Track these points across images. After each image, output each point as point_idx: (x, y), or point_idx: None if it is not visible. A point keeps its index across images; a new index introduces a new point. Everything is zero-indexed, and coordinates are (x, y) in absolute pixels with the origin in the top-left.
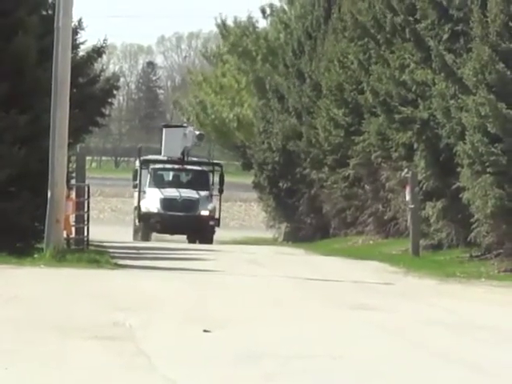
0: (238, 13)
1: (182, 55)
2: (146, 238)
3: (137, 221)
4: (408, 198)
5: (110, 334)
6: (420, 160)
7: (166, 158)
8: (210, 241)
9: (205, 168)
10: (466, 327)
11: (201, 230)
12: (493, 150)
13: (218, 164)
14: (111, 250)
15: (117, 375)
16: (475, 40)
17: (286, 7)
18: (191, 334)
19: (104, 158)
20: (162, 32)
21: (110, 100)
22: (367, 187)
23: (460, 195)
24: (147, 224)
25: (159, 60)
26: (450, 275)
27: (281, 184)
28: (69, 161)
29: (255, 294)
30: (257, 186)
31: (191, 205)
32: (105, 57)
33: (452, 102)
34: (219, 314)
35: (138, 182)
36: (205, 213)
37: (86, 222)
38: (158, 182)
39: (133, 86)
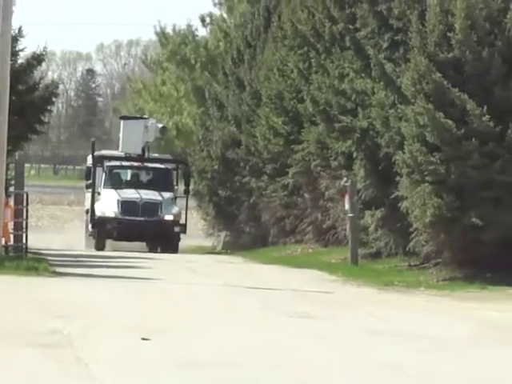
0: (177, 21)
1: (121, 63)
2: (101, 245)
3: (90, 226)
4: (347, 206)
5: (48, 341)
6: (359, 169)
7: (123, 155)
8: (174, 249)
9: (168, 166)
10: (405, 336)
11: (164, 237)
12: (431, 159)
13: (183, 161)
14: (50, 258)
15: (55, 383)
16: (413, 50)
17: (225, 16)
18: (130, 342)
19: (43, 165)
20: (102, 39)
21: (49, 107)
22: (306, 196)
23: (399, 204)
24: (103, 230)
25: (98, 67)
26: (388, 284)
27: (220, 192)
28: (7, 168)
29: (194, 303)
30: (196, 193)
31: (153, 208)
32: (44, 64)
33: (391, 111)
34: (158, 322)
35: (91, 181)
36: (169, 217)
37: (24, 230)
38: (115, 181)
39: (72, 94)
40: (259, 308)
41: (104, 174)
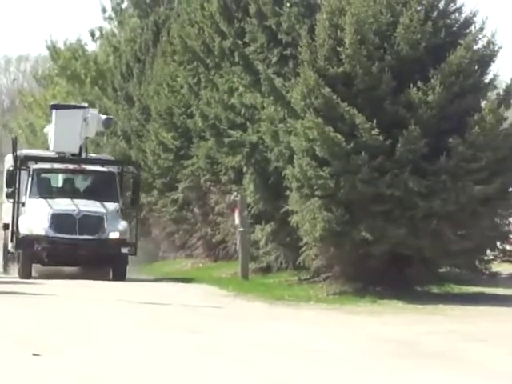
0: (68, 35)
1: (10, 78)
2: (28, 272)
3: (11, 246)
4: (237, 221)
5: None
6: (249, 183)
7: (55, 155)
8: (121, 275)
9: (112, 169)
10: (296, 350)
11: (109, 261)
12: (321, 173)
13: (131, 163)
14: None
15: None
16: (303, 64)
17: (115, 30)
18: (21, 358)
19: None
20: None
21: None
22: (196, 211)
23: (289, 218)
24: (29, 252)
25: None
26: (279, 298)
27: None
28: None
29: (86, 318)
30: None
31: (94, 223)
32: None
33: (281, 125)
34: (50, 338)
35: (13, 188)
36: (114, 235)
37: None
38: (44, 189)
39: None
40: (151, 323)
41: (30, 180)
